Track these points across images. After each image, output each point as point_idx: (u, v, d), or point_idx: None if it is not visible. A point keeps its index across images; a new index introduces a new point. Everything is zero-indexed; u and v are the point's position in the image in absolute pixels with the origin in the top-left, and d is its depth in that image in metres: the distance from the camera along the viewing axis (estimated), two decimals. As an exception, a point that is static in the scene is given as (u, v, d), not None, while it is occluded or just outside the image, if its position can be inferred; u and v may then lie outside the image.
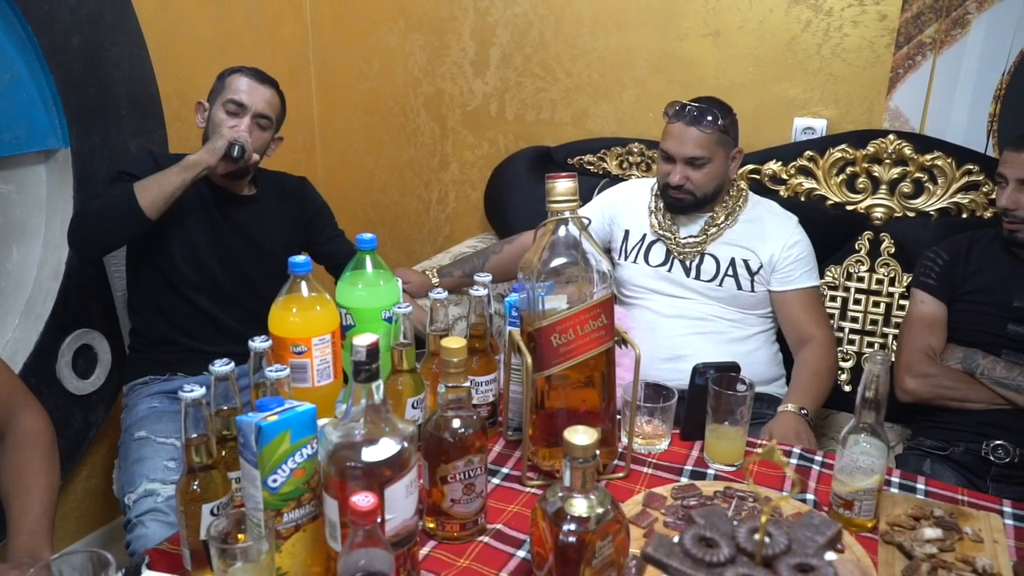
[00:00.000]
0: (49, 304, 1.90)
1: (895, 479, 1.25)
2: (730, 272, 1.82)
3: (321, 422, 0.93)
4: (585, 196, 2.15)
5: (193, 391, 0.94)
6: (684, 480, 1.23)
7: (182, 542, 0.98)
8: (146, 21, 2.06)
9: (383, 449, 0.89)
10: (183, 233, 1.77)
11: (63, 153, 1.91)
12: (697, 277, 1.83)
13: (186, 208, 1.77)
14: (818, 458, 1.30)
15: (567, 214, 1.16)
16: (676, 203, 1.84)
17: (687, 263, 1.85)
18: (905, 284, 2.00)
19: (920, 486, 1.24)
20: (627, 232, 1.94)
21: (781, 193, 2.12)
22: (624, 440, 1.27)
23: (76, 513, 2.12)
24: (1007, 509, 1.17)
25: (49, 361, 1.90)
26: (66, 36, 1.86)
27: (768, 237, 1.84)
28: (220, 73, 1.84)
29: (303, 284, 1.15)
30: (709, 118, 1.76)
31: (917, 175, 2.01)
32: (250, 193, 1.89)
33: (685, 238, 1.85)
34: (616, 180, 2.30)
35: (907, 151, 2.00)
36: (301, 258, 1.15)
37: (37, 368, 1.87)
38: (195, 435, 0.95)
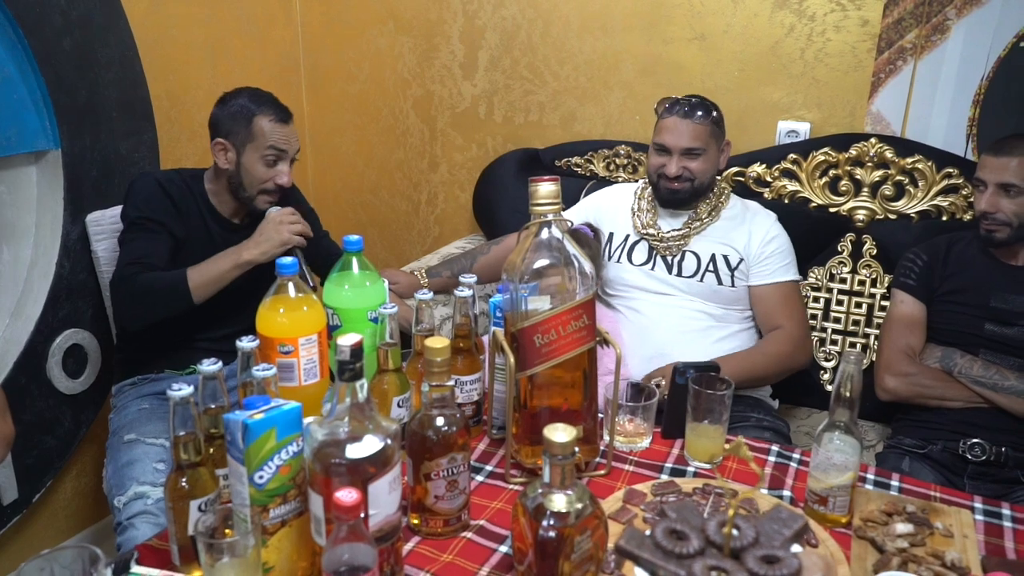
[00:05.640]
0: (39, 304, 1.91)
1: (870, 476, 1.28)
2: (711, 268, 1.85)
3: (307, 420, 0.95)
4: (573, 198, 2.18)
5: (181, 390, 0.96)
6: (664, 477, 1.25)
7: (170, 538, 1.00)
8: (136, 23, 2.07)
9: (367, 446, 0.91)
10: (192, 262, 1.73)
11: (53, 154, 1.92)
12: (679, 273, 1.86)
13: (195, 237, 1.81)
14: (795, 455, 1.33)
15: (550, 216, 1.19)
16: (673, 194, 1.86)
17: (669, 259, 1.87)
18: (886, 285, 2.03)
19: (894, 483, 1.27)
20: (611, 235, 1.97)
21: (765, 195, 2.15)
22: (606, 438, 1.29)
23: (66, 512, 2.13)
24: (978, 505, 1.20)
25: (39, 361, 1.91)
26: (57, 38, 1.87)
27: (747, 232, 1.87)
28: (232, 107, 1.78)
29: (290, 285, 1.17)
30: (701, 112, 1.82)
31: (898, 178, 2.04)
32: (246, 219, 1.90)
33: (668, 232, 1.88)
34: (603, 182, 2.32)
35: (889, 154, 2.03)
36: (288, 259, 1.17)
37: (27, 368, 1.88)
38: (183, 433, 0.97)
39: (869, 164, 2.06)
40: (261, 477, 0.91)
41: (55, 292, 1.92)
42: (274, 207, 1.78)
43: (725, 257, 1.85)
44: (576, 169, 2.39)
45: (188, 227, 1.81)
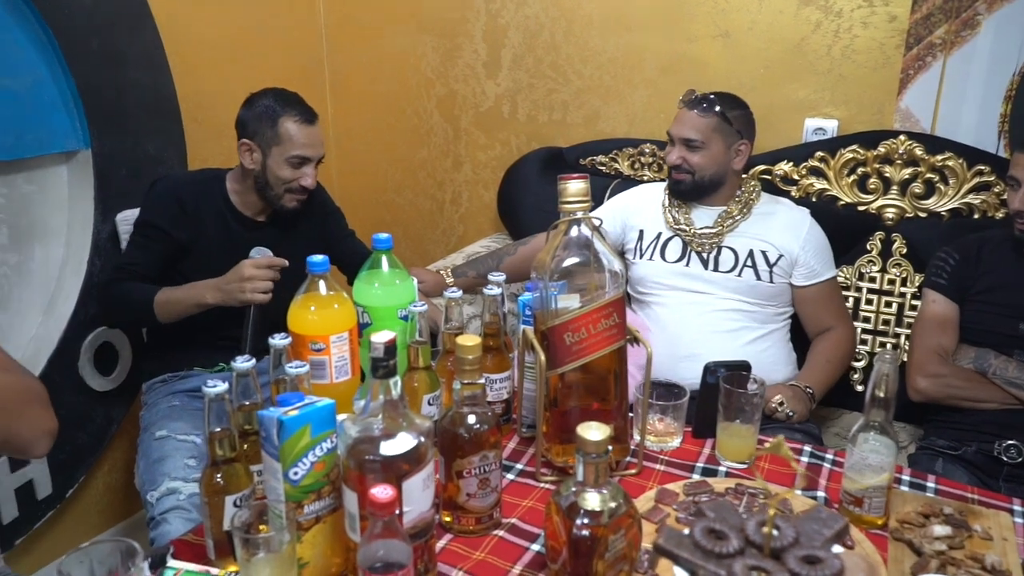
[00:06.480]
0: (71, 302, 1.93)
1: (905, 477, 1.27)
2: (749, 263, 1.84)
3: (340, 417, 0.95)
4: (597, 197, 2.17)
5: (216, 386, 0.96)
6: (696, 477, 1.25)
7: (206, 532, 1.01)
8: (163, 24, 2.09)
9: (401, 443, 0.91)
10: (206, 262, 1.77)
11: (84, 154, 1.94)
12: (716, 269, 1.85)
13: (210, 237, 1.82)
14: (829, 456, 1.32)
15: (579, 214, 1.18)
16: (675, 185, 1.90)
17: (704, 255, 1.87)
18: (917, 284, 2.00)
19: (930, 484, 1.25)
20: (641, 232, 1.96)
21: (792, 193, 2.13)
22: (636, 437, 1.28)
23: (98, 507, 2.15)
24: (1017, 508, 1.18)
25: (71, 358, 1.94)
26: (85, 39, 1.89)
27: (784, 229, 1.87)
28: (257, 108, 1.78)
29: (321, 283, 1.17)
30: (705, 104, 1.83)
31: (928, 176, 2.01)
32: (269, 216, 1.91)
33: (700, 229, 1.87)
34: (628, 180, 2.31)
35: (918, 152, 2.01)
36: (319, 257, 1.17)
37: (60, 365, 1.90)
38: (218, 429, 0.97)
39: (898, 162, 2.03)
40: (296, 473, 0.92)
41: (86, 290, 1.95)
42: (257, 249, 1.74)
43: (764, 253, 1.84)
44: (600, 168, 2.39)
45: (199, 229, 1.82)
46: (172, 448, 1.64)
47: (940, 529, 1.08)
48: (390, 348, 0.90)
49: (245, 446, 1.04)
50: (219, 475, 0.98)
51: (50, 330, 1.91)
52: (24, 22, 1.78)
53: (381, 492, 0.83)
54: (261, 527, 0.93)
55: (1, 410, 1.12)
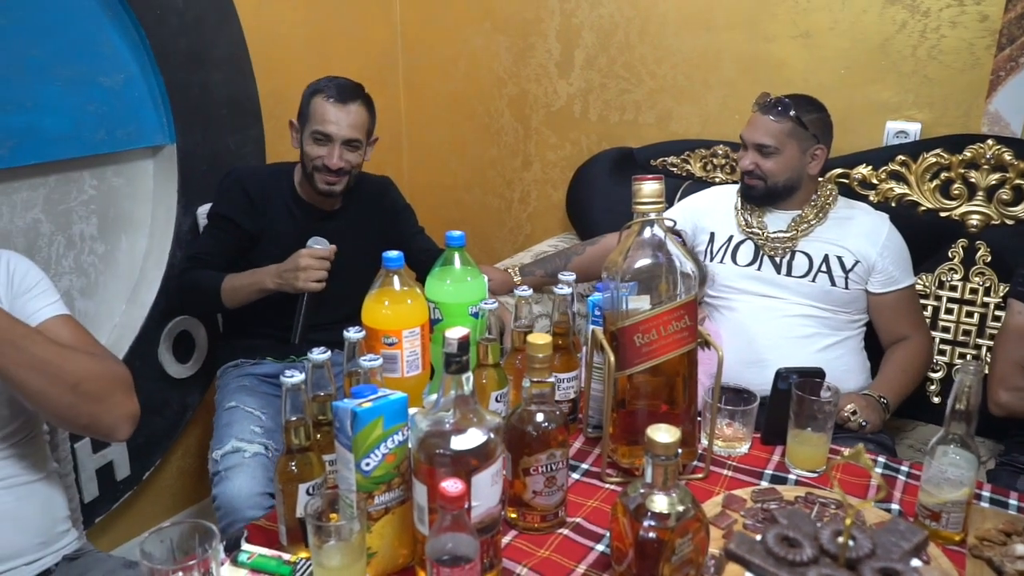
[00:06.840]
0: (153, 292, 2.01)
1: (986, 493, 1.22)
2: (823, 268, 1.79)
3: (412, 411, 0.97)
4: (668, 198, 2.15)
5: (294, 376, 0.99)
6: (764, 484, 1.23)
7: (279, 519, 1.03)
8: (246, 24, 2.16)
9: (471, 439, 0.92)
10: (274, 251, 1.83)
11: (169, 149, 2.02)
12: (789, 273, 1.82)
13: (278, 228, 1.88)
14: (904, 468, 1.28)
15: (652, 216, 1.17)
16: (748, 190, 1.87)
17: (777, 260, 1.83)
18: (1001, 294, 1.92)
19: (1012, 502, 1.20)
20: (712, 235, 1.93)
21: (871, 198, 2.07)
22: (704, 442, 1.27)
23: (171, 490, 2.24)
24: (1107, 530, 1.13)
25: (152, 346, 2.01)
26: (174, 39, 1.96)
27: (861, 235, 1.81)
28: (306, 89, 1.87)
29: (395, 278, 1.19)
30: (780, 108, 1.79)
31: (1017, 182, 1.93)
32: (336, 207, 1.96)
33: (774, 233, 1.84)
34: (700, 182, 2.28)
35: (1007, 156, 1.93)
36: (394, 253, 1.19)
37: (140, 352, 1.98)
38: (294, 418, 1.00)
39: (985, 167, 1.95)
40: (368, 464, 0.94)
41: (167, 281, 2.02)
42: (315, 239, 1.79)
43: (839, 259, 1.79)
44: (672, 169, 2.36)
45: (265, 220, 1.89)
46: (240, 416, 1.73)
47: (1023, 548, 1.04)
48: (463, 344, 0.91)
49: (318, 436, 1.06)
50: (293, 463, 1.01)
51: (133, 318, 1.99)
52: (118, 22, 1.86)
53: (451, 486, 0.84)
54: (332, 516, 0.95)
55: (86, 394, 1.18)
